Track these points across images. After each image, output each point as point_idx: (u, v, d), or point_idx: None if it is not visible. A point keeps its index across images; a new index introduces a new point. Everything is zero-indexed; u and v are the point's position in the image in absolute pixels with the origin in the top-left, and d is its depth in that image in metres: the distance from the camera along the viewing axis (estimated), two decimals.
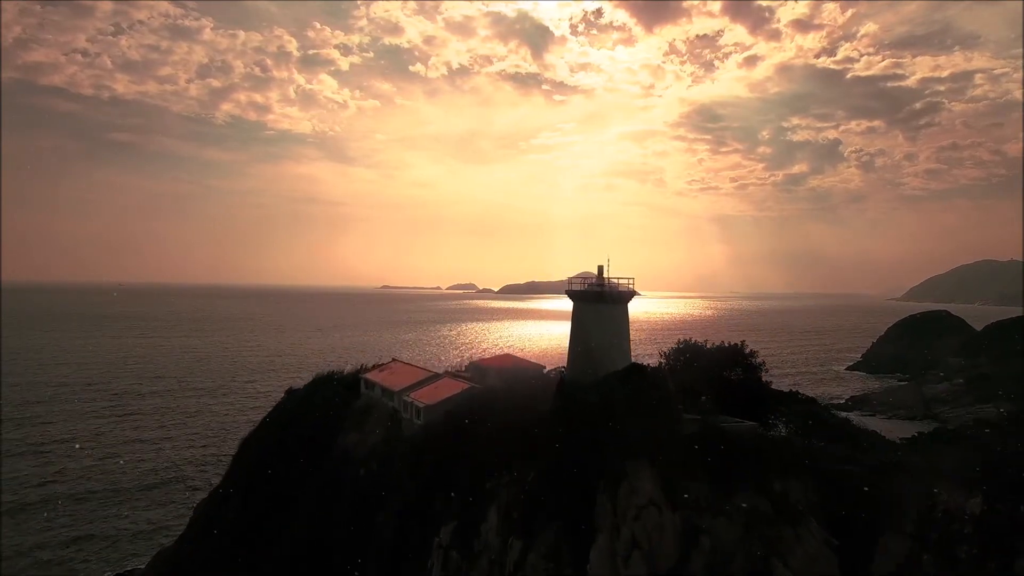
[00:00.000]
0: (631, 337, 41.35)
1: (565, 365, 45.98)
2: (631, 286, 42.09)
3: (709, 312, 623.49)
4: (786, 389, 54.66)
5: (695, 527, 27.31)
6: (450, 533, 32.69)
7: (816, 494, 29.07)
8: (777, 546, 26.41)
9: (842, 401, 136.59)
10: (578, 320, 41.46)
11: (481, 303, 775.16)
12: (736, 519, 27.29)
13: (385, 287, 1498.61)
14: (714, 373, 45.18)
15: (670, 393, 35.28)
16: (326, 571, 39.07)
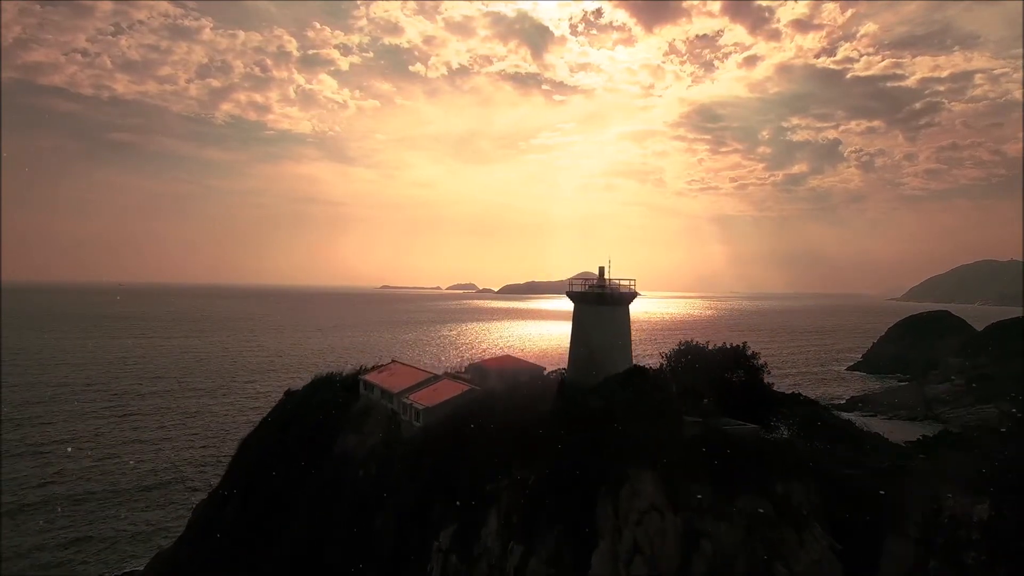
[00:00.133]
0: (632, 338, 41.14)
1: (565, 367, 45.81)
2: (632, 287, 41.86)
3: (709, 312, 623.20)
4: (787, 390, 54.32)
5: (697, 531, 27.06)
6: (450, 537, 32.41)
7: (819, 497, 28.82)
8: (780, 550, 26.18)
9: (842, 401, 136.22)
10: (579, 322, 41.25)
11: (481, 303, 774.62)
12: (738, 522, 27.04)
13: (385, 287, 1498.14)
14: (716, 375, 44.85)
15: (672, 395, 35.06)
16: (325, 574, 38.84)
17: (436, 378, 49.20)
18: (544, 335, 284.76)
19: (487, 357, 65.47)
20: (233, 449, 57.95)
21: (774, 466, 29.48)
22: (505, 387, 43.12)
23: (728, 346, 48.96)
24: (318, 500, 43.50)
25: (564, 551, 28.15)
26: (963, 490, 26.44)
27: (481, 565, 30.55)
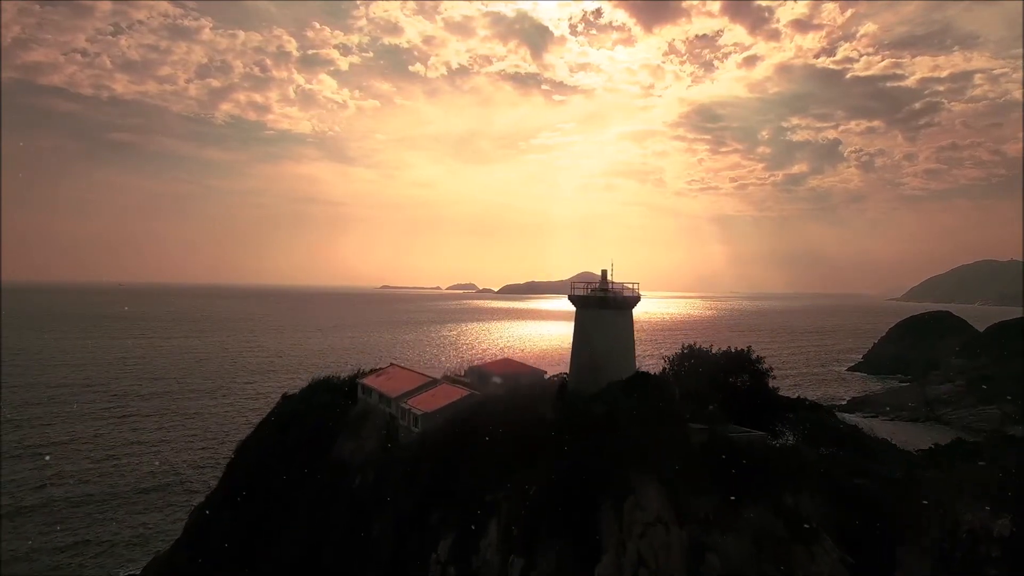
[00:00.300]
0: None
1: (567, 371, 45.01)
2: (636, 291, 41.09)
3: (709, 312, 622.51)
4: (788, 391, 53.80)
5: (703, 544, 26.33)
6: (448, 548, 31.58)
7: (828, 506, 28.14)
8: (789, 564, 25.45)
9: (844, 403, 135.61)
10: (581, 327, 40.38)
11: (481, 303, 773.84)
12: (745, 535, 26.32)
13: (385, 287, 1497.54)
14: (720, 379, 44.23)
15: (676, 402, 34.35)
16: None
17: (435, 382, 48.44)
18: (544, 335, 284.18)
19: (487, 360, 64.73)
20: (232, 450, 57.36)
21: (782, 475, 28.79)
22: (505, 392, 42.33)
23: (732, 350, 48.33)
24: (316, 505, 42.87)
25: (566, 566, 27.30)
26: (981, 504, 25.62)
27: None
